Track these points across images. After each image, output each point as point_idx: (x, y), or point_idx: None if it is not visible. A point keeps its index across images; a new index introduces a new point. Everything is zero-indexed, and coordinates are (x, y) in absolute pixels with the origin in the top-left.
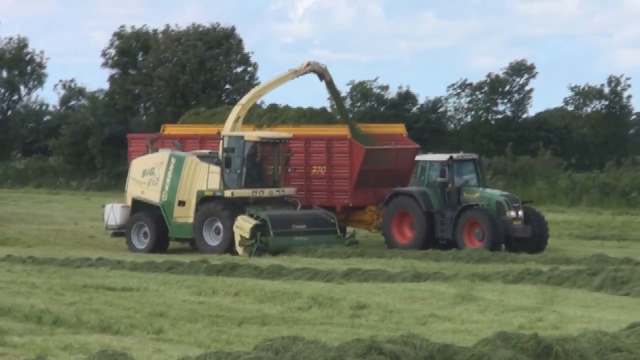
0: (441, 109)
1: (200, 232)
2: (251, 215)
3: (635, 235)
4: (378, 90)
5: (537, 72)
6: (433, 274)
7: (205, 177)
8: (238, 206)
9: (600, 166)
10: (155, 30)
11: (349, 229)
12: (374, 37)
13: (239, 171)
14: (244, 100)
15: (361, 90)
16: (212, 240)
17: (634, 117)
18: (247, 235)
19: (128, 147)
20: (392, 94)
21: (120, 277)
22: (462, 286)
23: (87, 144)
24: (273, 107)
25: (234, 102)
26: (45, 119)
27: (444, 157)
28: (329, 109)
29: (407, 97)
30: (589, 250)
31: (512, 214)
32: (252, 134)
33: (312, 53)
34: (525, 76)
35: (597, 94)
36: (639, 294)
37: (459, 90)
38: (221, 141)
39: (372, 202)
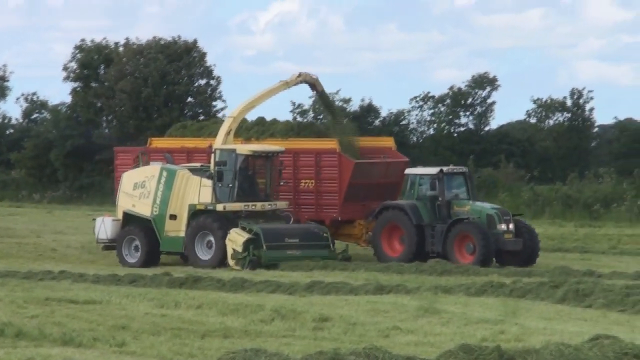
0: (404, 122)
1: (192, 246)
2: (244, 229)
3: (597, 247)
4: (341, 103)
5: (499, 85)
6: (396, 286)
7: (197, 191)
8: (230, 220)
9: (562, 178)
10: (116, 44)
11: (338, 243)
12: (336, 49)
13: (231, 185)
14: (235, 112)
15: None
16: (204, 254)
17: (596, 129)
18: (239, 249)
19: (115, 161)
20: (354, 106)
21: (83, 290)
22: (424, 299)
23: (50, 157)
24: (260, 121)
25: (196, 115)
26: (7, 132)
27: (434, 170)
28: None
29: (369, 110)
30: (551, 262)
31: (503, 227)
32: (244, 147)
33: (275, 65)
34: (488, 89)
35: (559, 106)
36: (602, 306)
37: (421, 103)
38: (213, 154)
39: (361, 216)
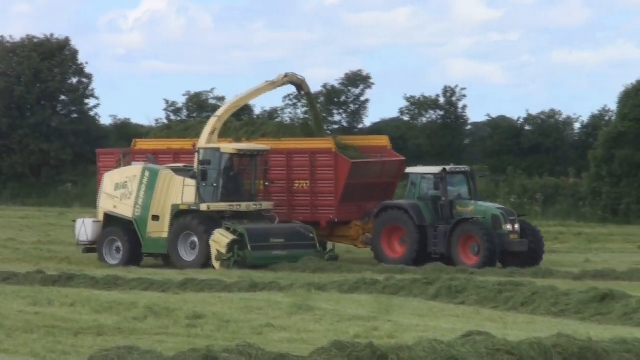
0: (278, 119)
1: (175, 247)
2: (228, 229)
3: None
4: (214, 102)
5: (373, 83)
6: (269, 283)
7: (180, 191)
8: (214, 220)
9: None
10: None
11: (332, 245)
12: (206, 47)
13: (215, 184)
14: (220, 112)
15: (197, 102)
16: (188, 255)
17: (469, 127)
18: (224, 250)
19: (97, 163)
20: None
21: None
22: (298, 296)
23: None
24: (250, 121)
25: (70, 114)
26: None
27: (436, 169)
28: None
29: (243, 108)
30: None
31: (509, 227)
32: (229, 146)
33: (145, 64)
34: (361, 86)
35: (432, 104)
36: (475, 303)
37: (295, 101)
38: (197, 154)
39: (358, 216)
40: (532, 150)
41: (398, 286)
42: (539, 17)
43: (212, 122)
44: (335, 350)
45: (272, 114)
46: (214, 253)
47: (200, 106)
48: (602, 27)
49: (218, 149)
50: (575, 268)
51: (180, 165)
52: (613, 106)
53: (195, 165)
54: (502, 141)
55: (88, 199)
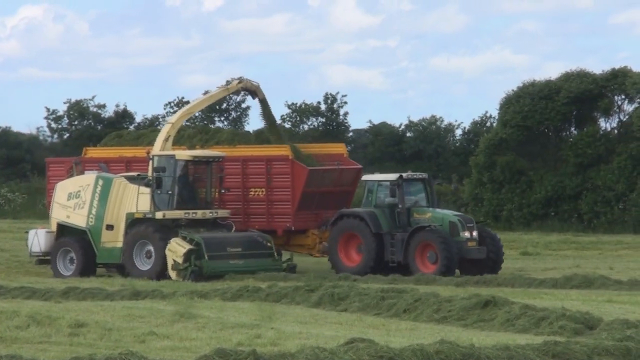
0: (159, 127)
1: (130, 257)
2: (184, 239)
3: None
4: (95, 109)
5: None
6: (152, 291)
7: (134, 199)
8: (170, 228)
9: None
10: None
11: (285, 253)
12: (84, 54)
13: (170, 192)
14: (173, 118)
15: (78, 109)
16: (143, 264)
17: (351, 133)
18: (180, 260)
19: (47, 172)
20: (109, 112)
21: None
22: (180, 304)
23: None
24: (204, 128)
25: None
26: None
27: (393, 176)
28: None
29: (124, 116)
30: (309, 266)
31: (467, 234)
32: (184, 153)
33: (22, 71)
34: (242, 93)
35: (313, 111)
36: (357, 310)
37: (176, 109)
38: (151, 161)
39: (315, 225)
40: (413, 156)
41: (280, 293)
42: (417, 24)
43: (165, 129)
44: (218, 358)
45: (153, 121)
46: (170, 263)
47: (81, 114)
48: (478, 34)
49: (173, 156)
50: (457, 274)
51: (134, 173)
52: (494, 112)
53: (150, 172)
54: (383, 148)
55: None
